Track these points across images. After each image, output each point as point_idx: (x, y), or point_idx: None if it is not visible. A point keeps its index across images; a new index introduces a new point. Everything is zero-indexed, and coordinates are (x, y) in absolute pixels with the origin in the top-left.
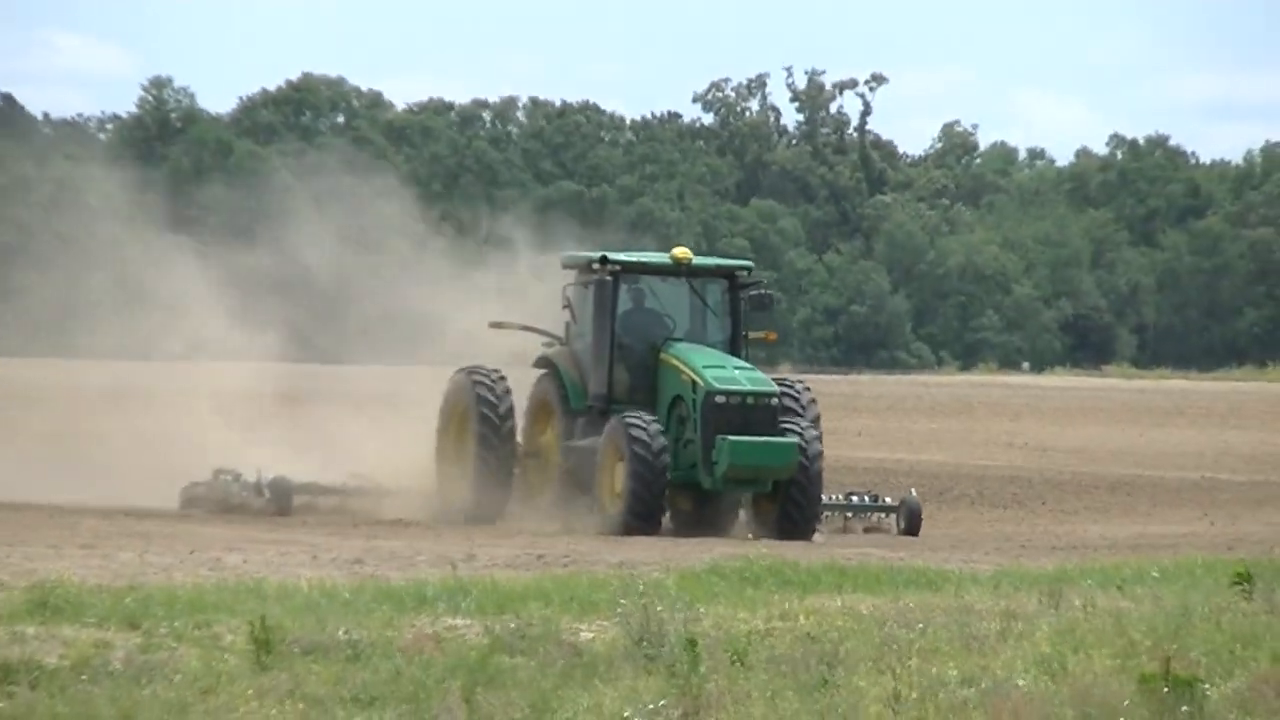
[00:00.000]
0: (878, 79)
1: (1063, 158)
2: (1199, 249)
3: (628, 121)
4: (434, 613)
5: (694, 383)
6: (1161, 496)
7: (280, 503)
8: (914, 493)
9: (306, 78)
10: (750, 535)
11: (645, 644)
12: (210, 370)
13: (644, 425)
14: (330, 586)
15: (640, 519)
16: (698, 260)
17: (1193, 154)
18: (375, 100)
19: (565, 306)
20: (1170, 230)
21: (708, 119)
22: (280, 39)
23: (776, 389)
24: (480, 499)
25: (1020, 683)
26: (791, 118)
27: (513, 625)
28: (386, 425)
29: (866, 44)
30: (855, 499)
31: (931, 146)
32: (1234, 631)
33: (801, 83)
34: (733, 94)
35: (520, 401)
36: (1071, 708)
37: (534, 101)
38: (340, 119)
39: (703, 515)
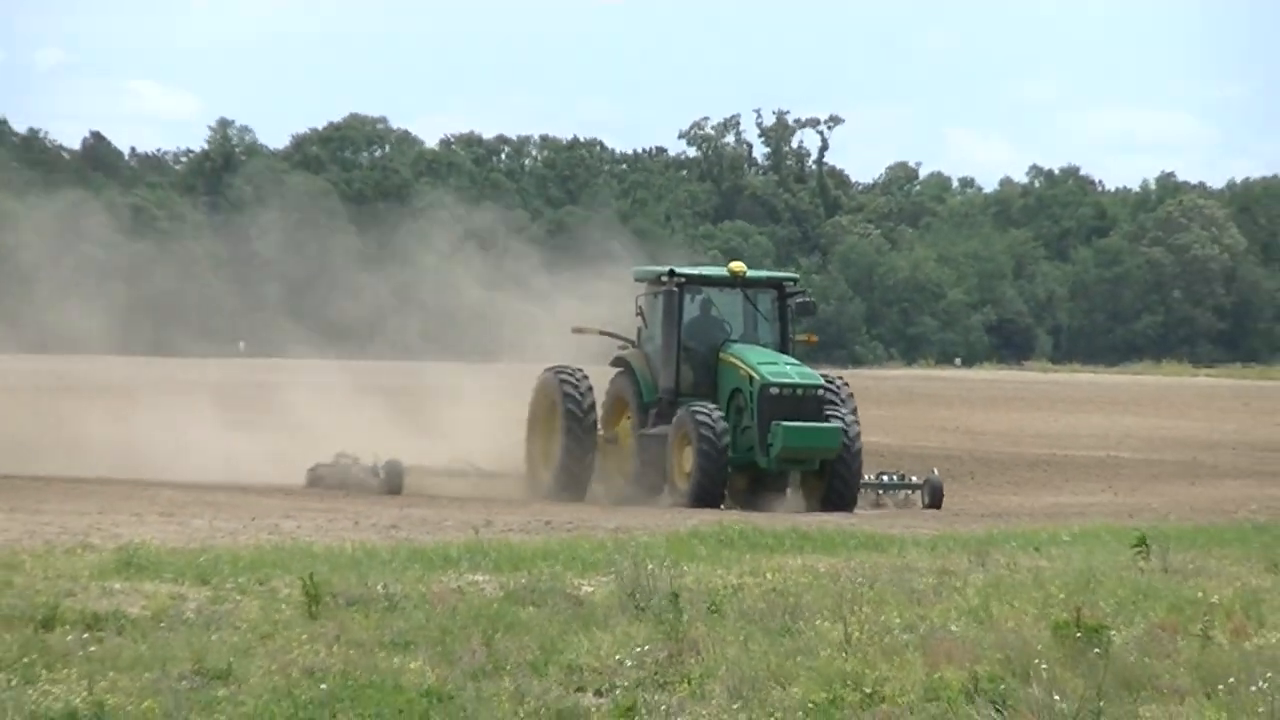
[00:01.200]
0: (834, 119)
1: (989, 185)
2: (1104, 263)
3: (619, 154)
4: (458, 570)
5: (751, 377)
6: (1072, 472)
7: (392, 483)
8: (936, 472)
9: (352, 116)
10: (800, 509)
11: (636, 596)
12: (328, 367)
13: (708, 414)
14: (370, 548)
15: (706, 495)
16: (751, 273)
17: (1099, 182)
18: (404, 137)
19: (638, 314)
20: (1080, 247)
21: (690, 151)
22: (324, 84)
23: (822, 381)
24: (566, 480)
25: (953, 629)
26: (761, 151)
27: (524, 581)
28: (479, 415)
29: (825, 88)
30: (886, 478)
31: (879, 176)
32: (1134, 586)
33: (770, 121)
34: (712, 130)
35: (599, 396)
36: (997, 650)
37: (544, 138)
38: (378, 152)
39: (756, 492)
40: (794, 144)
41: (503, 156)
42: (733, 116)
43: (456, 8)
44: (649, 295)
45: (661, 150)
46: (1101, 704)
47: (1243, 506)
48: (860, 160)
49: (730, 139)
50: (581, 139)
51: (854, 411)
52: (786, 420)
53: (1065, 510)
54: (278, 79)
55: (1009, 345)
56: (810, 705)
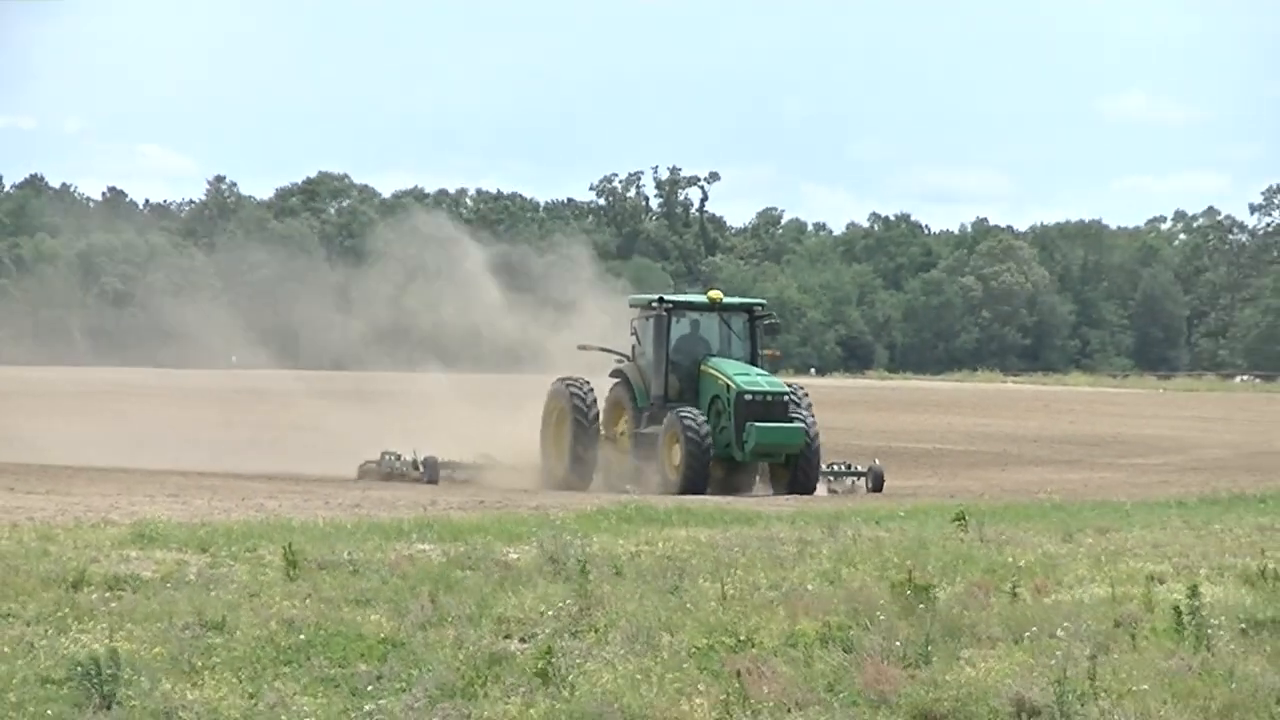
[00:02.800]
0: (713, 175)
1: (838, 228)
2: (930, 291)
3: (538, 203)
4: (409, 541)
5: (728, 386)
6: (905, 461)
7: (431, 476)
8: (878, 462)
9: (322, 174)
10: (768, 494)
11: (554, 562)
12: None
13: (693, 417)
14: (338, 522)
15: (692, 483)
16: (727, 300)
17: (926, 226)
18: (365, 190)
19: (632, 334)
20: (910, 278)
21: (599, 200)
22: (300, 144)
23: (787, 389)
24: (574, 472)
25: (809, 587)
26: (655, 201)
27: (463, 549)
28: (499, 419)
29: (706, 150)
30: (835, 467)
31: (749, 222)
32: (955, 552)
33: (664, 176)
34: (617, 184)
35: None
36: (845, 604)
37: (479, 191)
38: (345, 202)
39: (732, 480)
40: (681, 196)
41: (444, 207)
42: (634, 173)
43: (403, 85)
44: (641, 318)
45: (573, 201)
46: (929, 648)
47: (1043, 488)
48: (734, 209)
49: (632, 191)
50: (505, 192)
51: (812, 413)
52: (759, 421)
53: (899, 492)
54: (259, 141)
55: (854, 357)
56: (693, 650)
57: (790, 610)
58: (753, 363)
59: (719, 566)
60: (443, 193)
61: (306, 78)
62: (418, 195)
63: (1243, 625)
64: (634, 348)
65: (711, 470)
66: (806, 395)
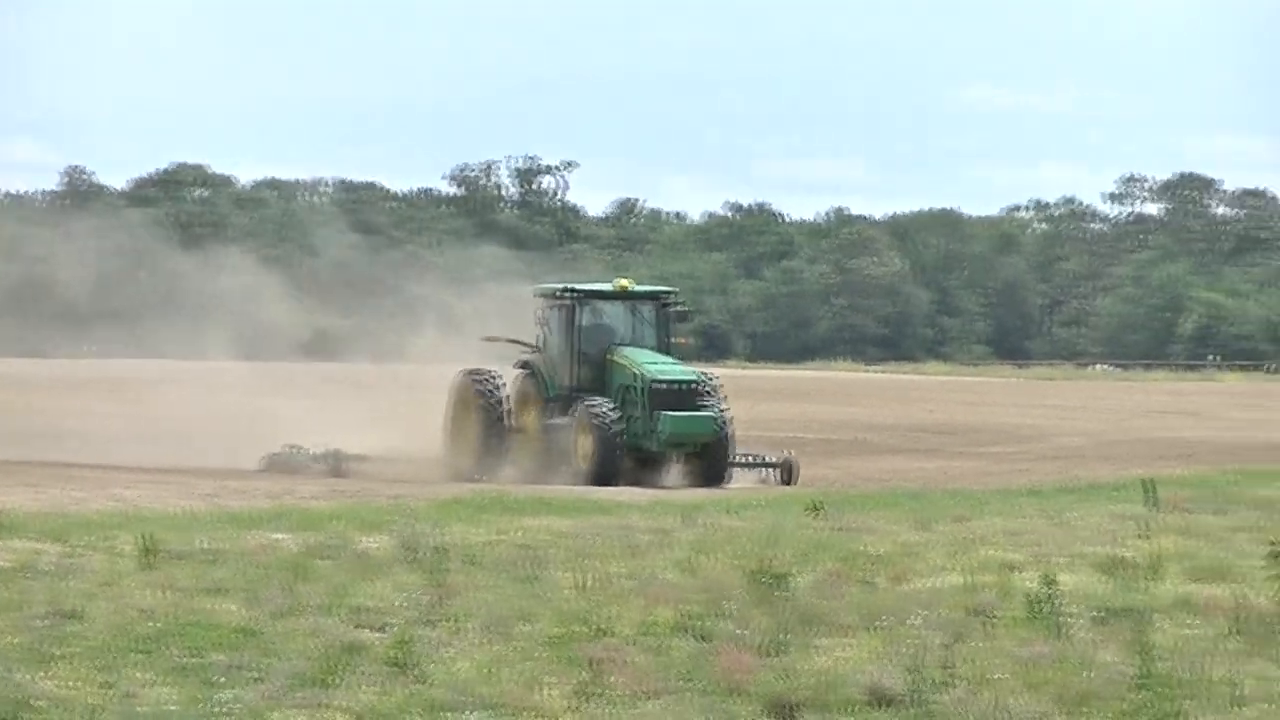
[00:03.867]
0: (570, 164)
1: (695, 217)
2: (787, 281)
3: (395, 192)
4: (264, 530)
5: (639, 375)
6: (762, 449)
7: (335, 468)
8: (791, 453)
9: (180, 165)
10: (681, 485)
11: (410, 550)
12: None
13: (603, 407)
14: (193, 512)
15: (604, 474)
16: (636, 288)
17: (783, 215)
18: (225, 179)
19: (539, 324)
20: (768, 268)
21: (456, 191)
22: (159, 132)
23: (698, 377)
24: (481, 465)
25: (666, 576)
26: (512, 190)
27: (318, 538)
28: (403, 408)
29: (563, 137)
30: (747, 458)
31: (607, 211)
32: (811, 541)
33: (521, 165)
34: (474, 173)
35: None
36: (701, 593)
37: (340, 180)
38: (203, 193)
39: (644, 470)
40: (538, 185)
41: (300, 195)
42: (490, 162)
43: (260, 74)
44: (549, 308)
45: (431, 190)
46: (785, 636)
47: (899, 477)
48: (592, 198)
49: (488, 180)
50: (362, 181)
51: (724, 401)
52: (670, 410)
53: (736, 479)
54: (117, 132)
55: (712, 347)
56: (549, 638)
57: (646, 599)
58: (663, 351)
59: (575, 556)
60: (299, 181)
61: (166, 68)
62: (275, 184)
63: (1097, 613)
64: (539, 337)
65: (623, 461)
66: (719, 384)
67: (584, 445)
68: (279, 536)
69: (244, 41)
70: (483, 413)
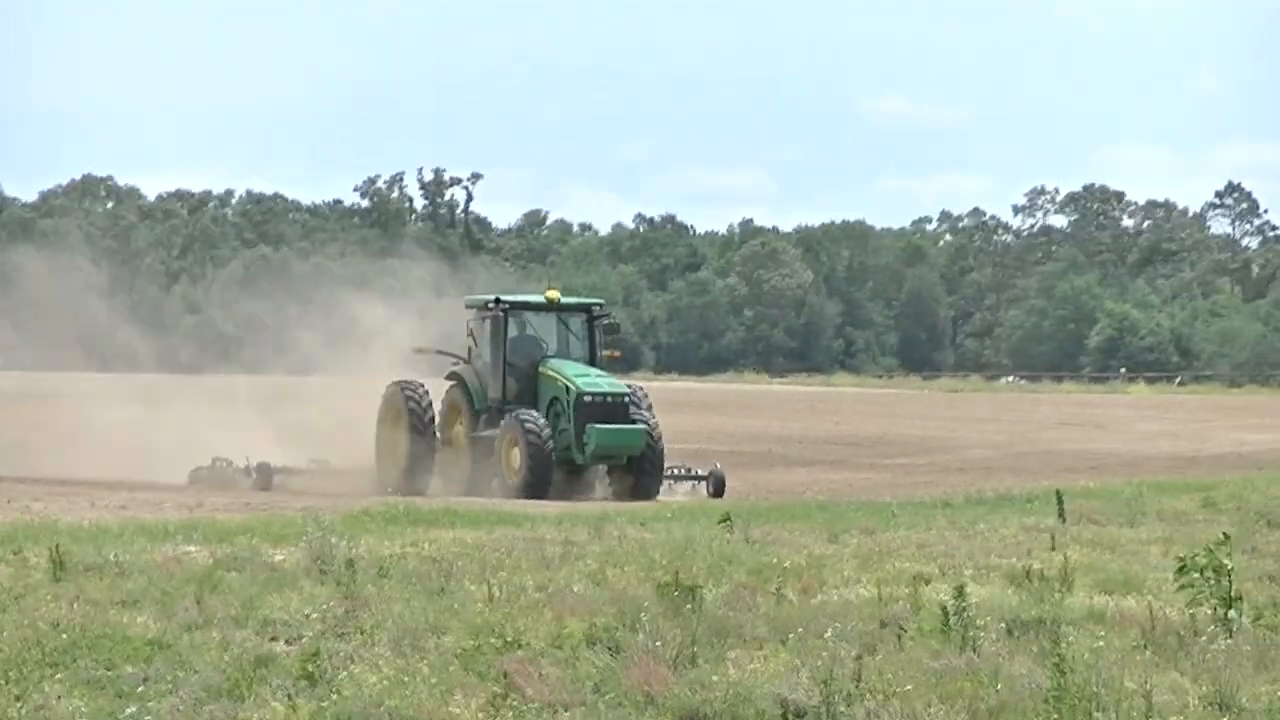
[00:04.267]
0: (476, 176)
1: (604, 229)
2: (695, 292)
3: (303, 204)
4: (175, 542)
5: (568, 387)
6: (670, 461)
7: (263, 481)
8: (719, 466)
9: (86, 177)
10: (609, 497)
11: (320, 563)
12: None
13: (533, 419)
14: (104, 524)
15: (534, 487)
16: (564, 300)
17: (691, 227)
18: (133, 191)
19: (468, 335)
20: (676, 280)
21: (363, 202)
22: (70, 144)
23: (628, 390)
24: (410, 477)
25: (576, 588)
26: (420, 202)
27: (229, 550)
28: (332, 420)
29: (469, 150)
30: (676, 470)
31: (514, 223)
32: (721, 553)
33: (428, 177)
34: (382, 185)
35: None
36: (611, 605)
37: (247, 193)
38: (111, 205)
39: (573, 484)
40: (445, 196)
41: (209, 208)
42: (398, 174)
43: (169, 86)
44: (478, 319)
45: (339, 201)
46: (696, 649)
47: (808, 488)
48: (499, 210)
49: (395, 192)
50: (270, 193)
51: (653, 413)
52: (599, 423)
53: (666, 492)
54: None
55: (621, 359)
56: (460, 651)
57: (557, 611)
58: (592, 363)
59: (485, 568)
60: (207, 193)
61: (74, 79)
62: (182, 196)
63: (1008, 625)
64: (469, 349)
65: (553, 474)
66: (646, 396)
67: (513, 457)
68: (190, 549)
69: (148, 51)
70: (411, 425)
